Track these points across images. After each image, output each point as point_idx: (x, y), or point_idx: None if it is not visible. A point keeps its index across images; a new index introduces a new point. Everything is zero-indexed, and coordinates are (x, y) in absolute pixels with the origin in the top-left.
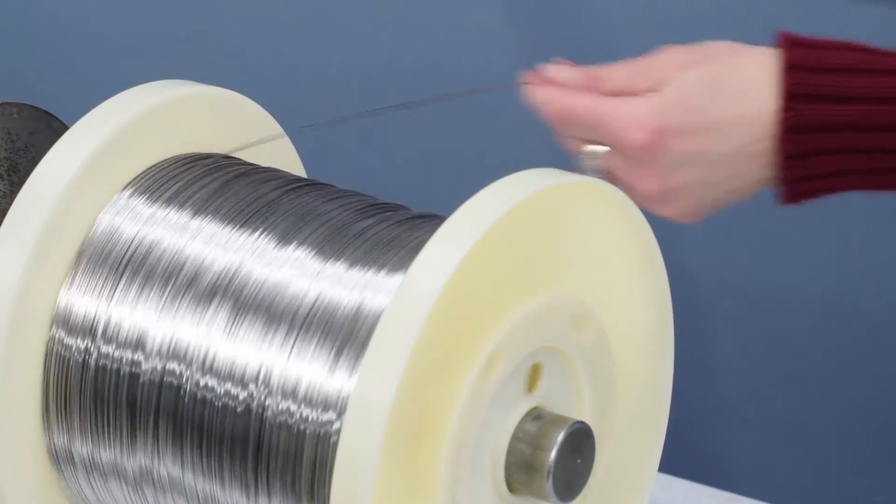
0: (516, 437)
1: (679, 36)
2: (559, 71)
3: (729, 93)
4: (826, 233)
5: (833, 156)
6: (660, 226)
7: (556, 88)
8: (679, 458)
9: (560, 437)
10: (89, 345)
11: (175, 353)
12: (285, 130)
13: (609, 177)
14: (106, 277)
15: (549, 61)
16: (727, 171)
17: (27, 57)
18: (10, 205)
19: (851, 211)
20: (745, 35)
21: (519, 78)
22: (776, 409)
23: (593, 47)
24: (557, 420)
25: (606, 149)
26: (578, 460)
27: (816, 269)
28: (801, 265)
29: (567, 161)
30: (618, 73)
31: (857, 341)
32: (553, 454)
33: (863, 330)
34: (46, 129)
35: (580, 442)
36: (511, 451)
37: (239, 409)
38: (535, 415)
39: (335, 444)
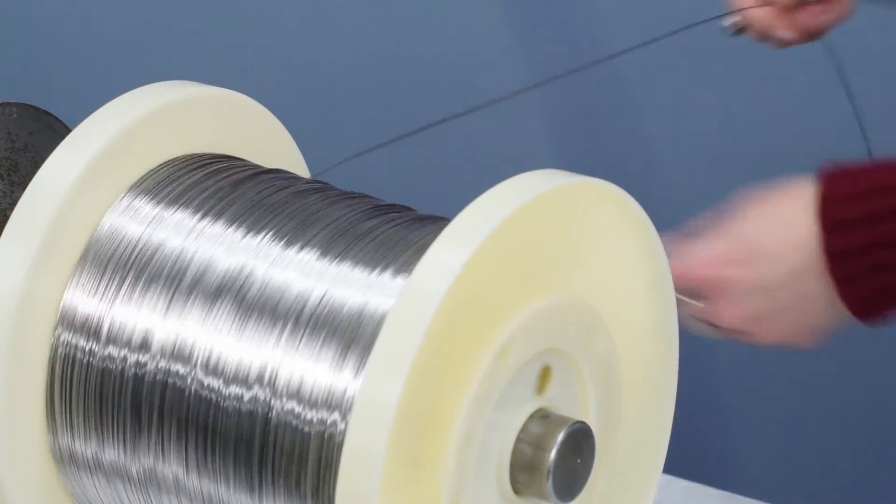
0: (520, 439)
1: (679, 35)
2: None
3: (771, 221)
4: None
5: (885, 272)
6: (660, 225)
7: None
8: (679, 458)
9: (560, 437)
10: (93, 346)
11: (179, 354)
12: (286, 128)
13: (713, 328)
14: (110, 278)
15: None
16: (792, 293)
17: (27, 57)
18: (9, 204)
19: None
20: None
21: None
22: (776, 409)
23: (593, 46)
24: (557, 420)
25: (695, 304)
26: (578, 460)
27: None
28: None
29: (571, 162)
30: (701, 227)
31: (857, 341)
32: (553, 454)
33: (863, 329)
34: (46, 129)
35: (580, 442)
36: (514, 452)
37: (243, 410)
38: (539, 416)
39: (340, 445)
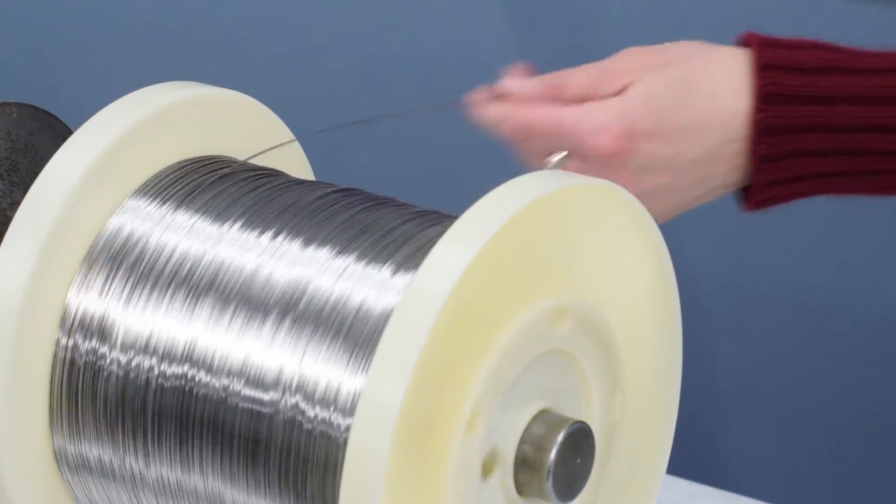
0: (523, 440)
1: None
2: (516, 83)
3: (699, 94)
4: (826, 233)
5: (805, 158)
6: (660, 225)
7: (511, 103)
8: (679, 458)
9: (560, 436)
10: (97, 347)
11: (183, 355)
12: (291, 129)
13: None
14: (114, 280)
15: (505, 69)
16: (696, 174)
17: (27, 57)
18: (9, 204)
19: (852, 211)
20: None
21: (466, 97)
22: (776, 409)
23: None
24: (558, 420)
25: (564, 154)
26: (579, 460)
27: (816, 269)
28: (801, 265)
29: None
30: (579, 78)
31: (857, 340)
32: (553, 454)
33: (862, 329)
34: (46, 129)
35: (580, 442)
36: (518, 453)
37: (246, 410)
38: (542, 417)
39: (344, 445)
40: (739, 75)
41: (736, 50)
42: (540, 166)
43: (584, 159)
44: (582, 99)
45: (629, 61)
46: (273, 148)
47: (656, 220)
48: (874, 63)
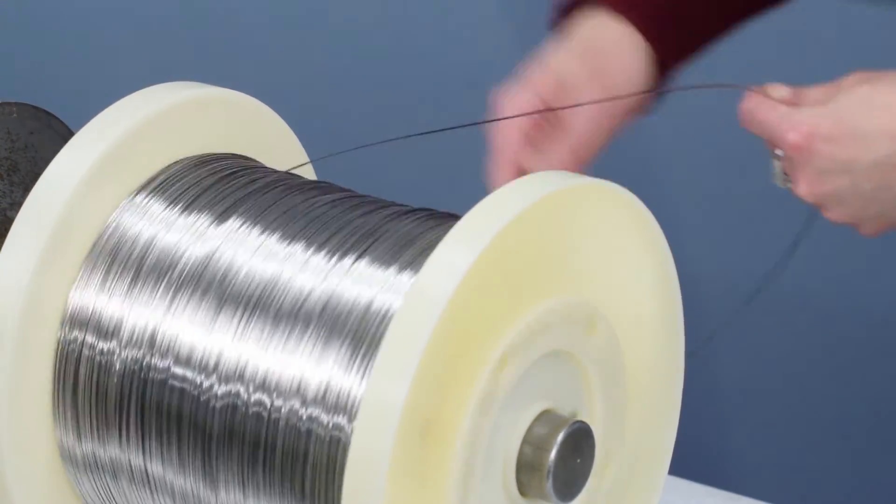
0: (525, 440)
1: None
2: (774, 89)
3: (877, 106)
4: (826, 233)
5: None
6: (661, 226)
7: (760, 100)
8: (679, 458)
9: (560, 437)
10: (100, 344)
11: (185, 354)
12: (291, 129)
13: (789, 181)
14: (117, 277)
15: (766, 84)
16: (876, 181)
17: (27, 57)
18: (9, 204)
19: None
20: (743, 35)
21: (746, 87)
22: (776, 409)
23: None
24: (558, 420)
25: (783, 155)
26: (578, 460)
27: (816, 269)
28: (801, 265)
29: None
30: (814, 91)
31: (857, 341)
32: (553, 454)
33: (863, 329)
34: (46, 128)
35: (580, 441)
36: (520, 454)
37: (248, 411)
38: (544, 417)
39: (346, 446)
40: None
41: None
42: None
43: (785, 157)
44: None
45: (848, 80)
46: (297, 168)
47: (863, 229)
48: None
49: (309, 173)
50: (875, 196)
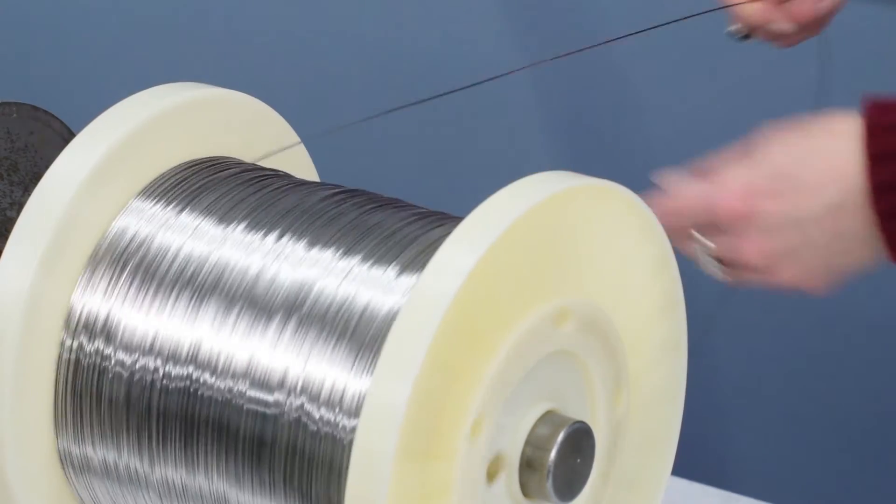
0: (528, 441)
1: (677, 33)
2: (679, 188)
3: (813, 152)
4: None
5: None
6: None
7: (659, 196)
8: (679, 458)
9: (560, 437)
10: (102, 348)
11: (188, 356)
12: (294, 130)
13: (727, 268)
14: (119, 280)
15: (664, 177)
16: (825, 229)
17: (27, 57)
18: (9, 204)
19: None
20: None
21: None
22: (776, 409)
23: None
24: (558, 420)
25: (709, 243)
26: (578, 460)
27: None
28: None
29: (580, 164)
30: (724, 161)
31: (857, 341)
32: (553, 454)
33: (863, 329)
34: (46, 129)
35: (580, 441)
36: (523, 454)
37: (251, 411)
38: (547, 418)
39: (350, 446)
40: (852, 135)
41: (850, 114)
42: (695, 258)
43: (724, 230)
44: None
45: (763, 136)
46: (279, 150)
47: (817, 285)
48: None
49: (311, 174)
50: (829, 247)
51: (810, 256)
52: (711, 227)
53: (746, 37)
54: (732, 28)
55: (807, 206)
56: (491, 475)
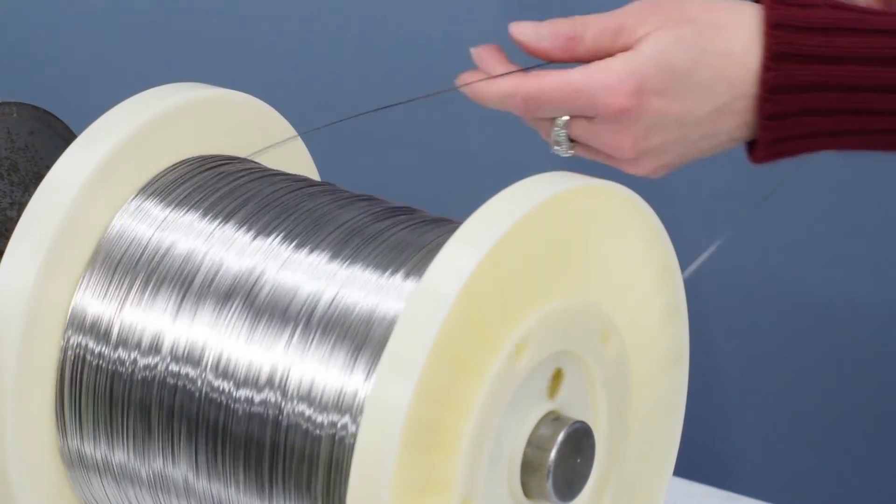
0: (530, 442)
1: None
2: (527, 32)
3: (709, 53)
4: (826, 232)
5: (813, 117)
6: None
7: (521, 75)
8: (679, 458)
9: (560, 437)
10: (103, 348)
11: (189, 357)
12: (296, 130)
13: (578, 146)
14: (120, 281)
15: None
16: (703, 130)
17: (27, 57)
18: (9, 204)
19: (852, 210)
20: None
21: (462, 77)
22: (776, 409)
23: None
24: (558, 420)
25: (567, 118)
26: (578, 460)
27: (816, 269)
28: (801, 265)
29: (583, 165)
30: (589, 31)
31: (857, 340)
32: (553, 454)
33: (863, 329)
34: (46, 128)
35: (580, 441)
36: (525, 455)
37: (254, 413)
38: (549, 419)
39: (351, 448)
40: (750, 34)
41: (748, 7)
42: (546, 135)
43: (595, 119)
44: (592, 55)
45: (640, 15)
46: (274, 145)
47: (660, 174)
48: (885, 24)
49: (312, 175)
50: (697, 144)
51: (677, 153)
52: (575, 110)
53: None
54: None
55: (696, 109)
56: (493, 476)
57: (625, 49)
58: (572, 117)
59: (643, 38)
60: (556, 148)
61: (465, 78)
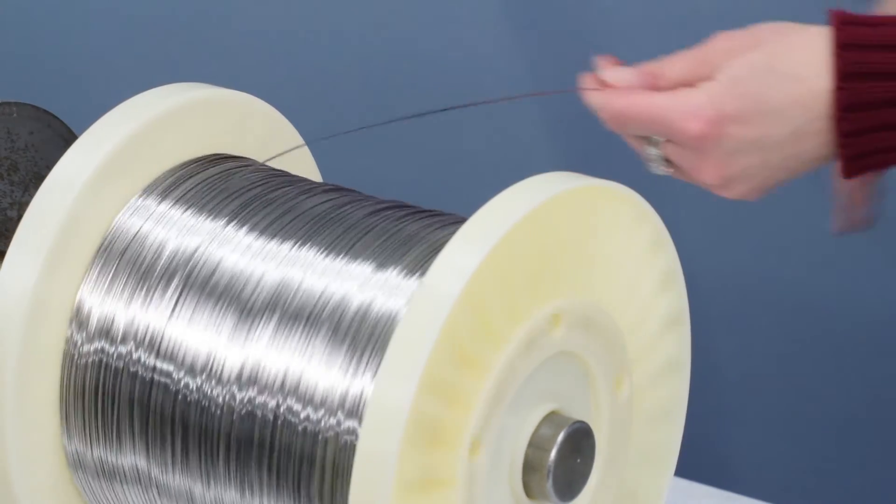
0: (531, 443)
1: (680, 33)
2: (614, 73)
3: (782, 76)
4: (826, 232)
5: (890, 131)
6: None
7: (611, 91)
8: (679, 458)
9: (560, 437)
10: (106, 347)
11: (191, 357)
12: (297, 130)
13: (671, 166)
14: (123, 279)
15: (599, 61)
16: (786, 152)
17: (27, 57)
18: (10, 204)
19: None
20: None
21: (576, 83)
22: (776, 409)
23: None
24: (559, 420)
25: (663, 140)
26: (578, 460)
27: (816, 269)
28: (801, 265)
29: (584, 165)
30: (672, 66)
31: (857, 340)
32: (553, 454)
33: (863, 329)
34: (46, 128)
35: (580, 441)
36: (526, 456)
37: (256, 413)
38: (550, 419)
39: (353, 449)
40: (820, 55)
41: (817, 29)
42: (641, 152)
43: (677, 145)
44: (677, 87)
45: (718, 46)
46: (284, 153)
47: (751, 198)
48: None
49: (314, 175)
50: (782, 166)
51: (763, 176)
52: (658, 133)
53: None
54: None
55: (773, 132)
56: (495, 476)
57: (705, 79)
58: (665, 145)
59: (720, 66)
60: (649, 165)
61: (584, 81)
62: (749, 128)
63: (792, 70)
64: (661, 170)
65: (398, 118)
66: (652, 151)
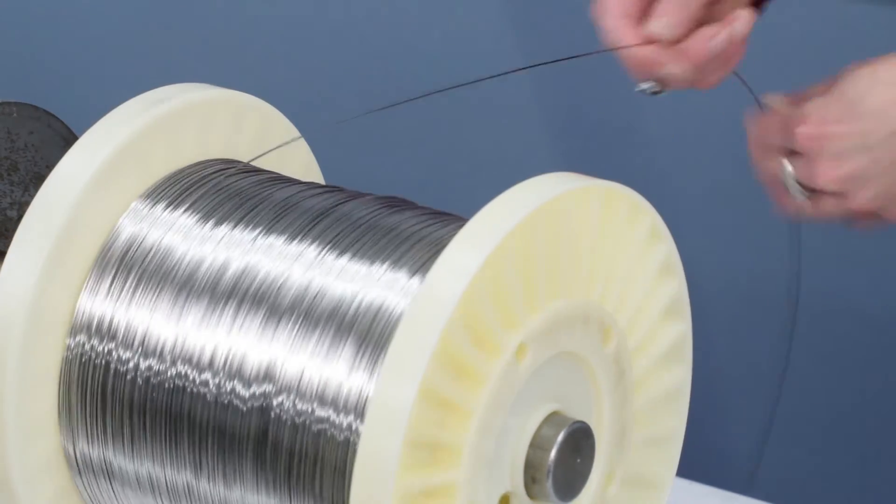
0: (533, 443)
1: None
2: (774, 101)
3: (879, 81)
4: (826, 232)
5: None
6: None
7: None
8: (680, 458)
9: (560, 437)
10: (107, 350)
11: (192, 358)
12: (299, 131)
13: (809, 194)
14: (124, 282)
15: (767, 98)
16: (892, 154)
17: (27, 57)
18: (9, 204)
19: None
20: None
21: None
22: (776, 409)
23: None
24: (559, 420)
25: (790, 167)
26: (578, 460)
27: (816, 269)
28: (801, 265)
29: (584, 165)
30: (812, 90)
31: (857, 341)
32: (553, 454)
33: (863, 329)
34: (46, 128)
35: (580, 441)
36: (527, 456)
37: (257, 413)
38: (551, 419)
39: (354, 448)
40: None
41: None
42: (779, 181)
43: (801, 154)
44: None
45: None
46: (280, 146)
47: (875, 205)
48: None
49: (315, 175)
50: (894, 168)
51: (882, 178)
52: (795, 153)
53: (656, 92)
54: (644, 86)
55: (873, 131)
56: (496, 476)
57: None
58: (793, 161)
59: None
60: (796, 197)
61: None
62: (849, 126)
63: (889, 78)
64: (801, 197)
65: (395, 102)
66: (787, 170)
